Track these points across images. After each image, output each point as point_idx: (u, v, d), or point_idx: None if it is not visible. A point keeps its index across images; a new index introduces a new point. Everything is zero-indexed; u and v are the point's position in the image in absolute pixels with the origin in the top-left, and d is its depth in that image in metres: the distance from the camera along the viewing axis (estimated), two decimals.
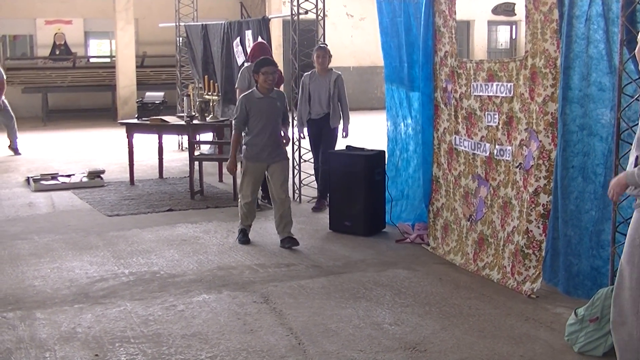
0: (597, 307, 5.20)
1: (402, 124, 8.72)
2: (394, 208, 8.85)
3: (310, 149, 10.32)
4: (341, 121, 9.95)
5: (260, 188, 10.05)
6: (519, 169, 6.60)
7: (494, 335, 5.60)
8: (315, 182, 10.24)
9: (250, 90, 8.18)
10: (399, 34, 8.41)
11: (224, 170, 11.98)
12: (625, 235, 5.58)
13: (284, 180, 8.16)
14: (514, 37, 27.68)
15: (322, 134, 9.93)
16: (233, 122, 8.32)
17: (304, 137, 10.19)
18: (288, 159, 8.33)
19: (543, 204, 6.35)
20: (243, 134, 8.16)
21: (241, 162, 8.38)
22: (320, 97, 9.84)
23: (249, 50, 11.19)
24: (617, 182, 4.52)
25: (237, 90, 9.92)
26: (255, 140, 8.04)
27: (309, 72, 10.04)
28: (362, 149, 8.86)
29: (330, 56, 10.00)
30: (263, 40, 10.92)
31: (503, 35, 27.94)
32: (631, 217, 5.61)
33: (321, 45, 10.04)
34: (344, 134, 10.06)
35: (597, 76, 5.86)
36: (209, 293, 6.59)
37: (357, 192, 8.51)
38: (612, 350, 5.11)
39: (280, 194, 8.14)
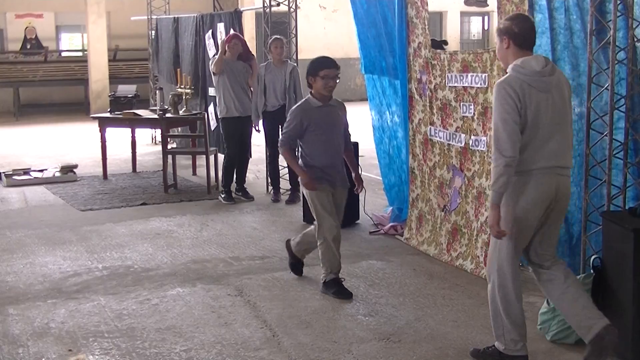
0: None
1: (387, 112, 8.68)
2: (389, 192, 8.88)
3: (265, 143, 10.27)
4: None
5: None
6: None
7: (467, 325, 5.64)
8: (287, 175, 10.21)
9: (304, 100, 6.61)
10: (376, 23, 8.39)
11: (198, 163, 11.98)
12: (596, 223, 5.66)
13: (341, 212, 6.69)
14: (486, 27, 27.77)
15: (278, 127, 9.91)
16: (281, 138, 6.76)
17: (259, 131, 10.15)
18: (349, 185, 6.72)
19: None
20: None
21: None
22: (276, 88, 9.75)
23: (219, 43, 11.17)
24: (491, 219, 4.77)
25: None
26: (316, 159, 6.40)
27: (265, 63, 10.01)
28: None
29: (286, 47, 10.00)
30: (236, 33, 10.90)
31: (475, 26, 28.03)
32: (602, 207, 5.69)
33: (277, 36, 10.01)
34: None
35: (585, 66, 5.86)
36: (183, 286, 6.58)
37: None
38: None
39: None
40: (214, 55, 10.57)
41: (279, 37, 9.99)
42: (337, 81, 6.36)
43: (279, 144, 6.68)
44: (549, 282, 4.95)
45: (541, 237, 4.91)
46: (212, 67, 9.87)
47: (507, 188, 4.66)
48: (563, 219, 5.18)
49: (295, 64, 9.95)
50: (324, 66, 6.30)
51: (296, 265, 6.90)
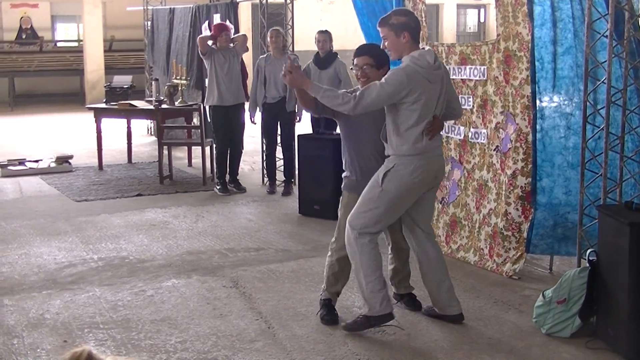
0: (565, 289, 5.25)
1: None
2: None
3: (262, 134, 10.24)
4: (297, 105, 9.90)
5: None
6: (496, 151, 6.63)
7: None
8: (282, 167, 10.20)
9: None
10: (375, 14, 8.38)
11: (194, 154, 11.97)
12: (592, 217, 5.66)
13: None
14: (482, 20, 27.73)
15: (278, 119, 9.89)
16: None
17: (254, 123, 10.12)
18: None
19: (521, 186, 6.38)
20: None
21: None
22: (276, 80, 9.68)
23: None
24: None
25: None
26: (356, 161, 5.62)
27: (264, 55, 9.99)
28: (331, 133, 8.86)
29: (285, 39, 9.97)
30: (222, 22, 10.89)
31: (471, 19, 27.98)
32: (598, 200, 5.70)
33: (275, 27, 9.99)
34: (298, 118, 10.06)
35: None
36: (178, 278, 6.57)
37: (326, 175, 8.51)
38: (580, 331, 5.19)
39: None
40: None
41: (276, 27, 9.97)
42: (367, 71, 5.40)
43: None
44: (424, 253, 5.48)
45: (420, 207, 5.40)
46: (198, 41, 9.97)
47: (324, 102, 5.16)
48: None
49: (296, 55, 9.92)
50: (354, 55, 5.52)
51: (410, 302, 5.91)
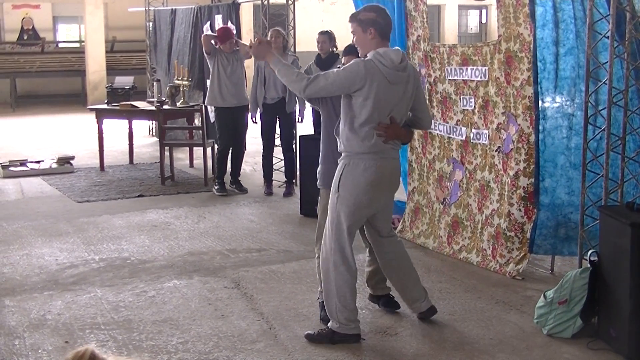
0: (566, 290, 5.25)
1: None
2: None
3: (261, 135, 10.18)
4: (297, 106, 9.90)
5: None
6: (498, 152, 6.63)
7: (464, 318, 5.63)
8: (283, 168, 10.19)
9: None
10: None
11: (195, 155, 11.97)
12: (593, 218, 5.66)
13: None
14: (484, 21, 27.73)
15: (277, 120, 9.88)
16: None
17: (256, 122, 10.13)
18: None
19: (523, 186, 6.39)
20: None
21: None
22: (276, 81, 9.59)
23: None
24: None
25: None
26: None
27: None
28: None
29: (286, 40, 9.96)
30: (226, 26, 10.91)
31: (473, 20, 27.98)
32: (599, 200, 5.70)
33: (276, 28, 9.99)
34: (300, 118, 10.06)
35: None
36: (179, 279, 6.57)
37: None
38: (581, 332, 5.19)
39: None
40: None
41: (276, 28, 9.97)
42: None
43: None
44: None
45: (379, 214, 5.34)
46: (201, 39, 9.99)
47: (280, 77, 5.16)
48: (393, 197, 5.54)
49: (296, 56, 9.93)
50: (342, 55, 6.00)
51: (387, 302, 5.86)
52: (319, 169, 5.60)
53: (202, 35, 10.13)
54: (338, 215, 5.14)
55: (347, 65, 5.08)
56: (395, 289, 5.63)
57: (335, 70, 5.09)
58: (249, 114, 10.07)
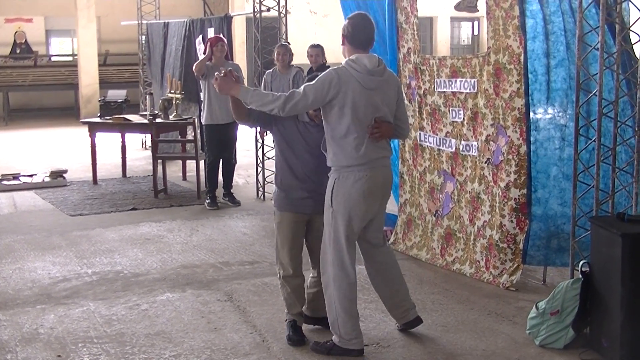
0: (558, 301, 5.26)
1: None
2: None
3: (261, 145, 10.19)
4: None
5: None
6: (487, 164, 6.65)
7: (457, 329, 5.64)
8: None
9: None
10: None
11: (188, 168, 11.97)
12: (585, 229, 5.68)
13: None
14: (476, 33, 27.83)
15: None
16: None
17: (267, 134, 10.16)
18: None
19: (515, 198, 6.40)
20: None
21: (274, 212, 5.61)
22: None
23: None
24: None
25: None
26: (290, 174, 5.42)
27: (271, 70, 10.02)
28: None
29: (292, 54, 9.99)
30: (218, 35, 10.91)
31: (465, 32, 28.08)
32: (591, 211, 5.72)
33: (283, 42, 10.04)
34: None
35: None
36: (172, 292, 6.57)
37: None
38: (574, 342, 5.20)
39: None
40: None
41: (284, 43, 10.01)
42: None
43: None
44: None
45: (371, 223, 5.30)
46: (194, 68, 9.85)
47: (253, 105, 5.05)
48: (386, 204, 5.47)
49: (300, 68, 9.96)
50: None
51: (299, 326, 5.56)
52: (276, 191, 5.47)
53: (194, 65, 9.94)
54: (335, 229, 5.12)
55: (320, 75, 5.07)
56: (381, 298, 5.61)
57: (308, 83, 5.04)
58: (241, 128, 10.07)
